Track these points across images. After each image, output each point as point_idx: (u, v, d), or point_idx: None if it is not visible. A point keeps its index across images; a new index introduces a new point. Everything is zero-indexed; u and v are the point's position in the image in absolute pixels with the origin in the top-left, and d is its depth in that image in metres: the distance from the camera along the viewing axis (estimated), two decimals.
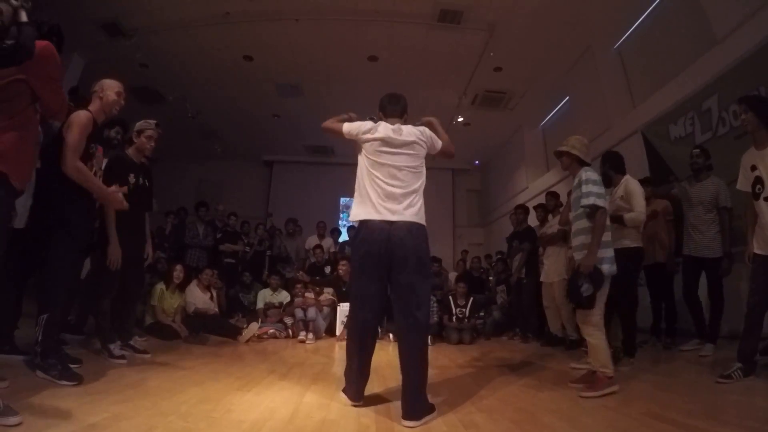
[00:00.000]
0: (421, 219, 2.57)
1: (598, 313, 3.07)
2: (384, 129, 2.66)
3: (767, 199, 3.15)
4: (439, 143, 2.81)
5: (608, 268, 3.09)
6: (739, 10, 5.00)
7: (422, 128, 2.78)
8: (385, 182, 2.56)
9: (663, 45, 6.44)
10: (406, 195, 2.56)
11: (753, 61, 4.82)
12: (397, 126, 2.69)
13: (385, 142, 2.61)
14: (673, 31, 6.22)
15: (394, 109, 2.84)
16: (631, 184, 3.94)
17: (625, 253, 3.75)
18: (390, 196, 2.54)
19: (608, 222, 3.24)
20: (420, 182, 2.65)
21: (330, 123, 2.86)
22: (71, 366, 2.78)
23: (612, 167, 4.10)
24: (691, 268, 4.49)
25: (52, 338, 2.74)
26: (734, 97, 4.80)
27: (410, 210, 2.53)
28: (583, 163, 3.35)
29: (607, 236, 3.16)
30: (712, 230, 4.31)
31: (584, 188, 3.14)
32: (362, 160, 2.68)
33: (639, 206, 3.85)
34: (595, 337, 3.07)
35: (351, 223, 10.66)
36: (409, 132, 2.68)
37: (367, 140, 2.65)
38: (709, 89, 5.47)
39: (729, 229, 4.24)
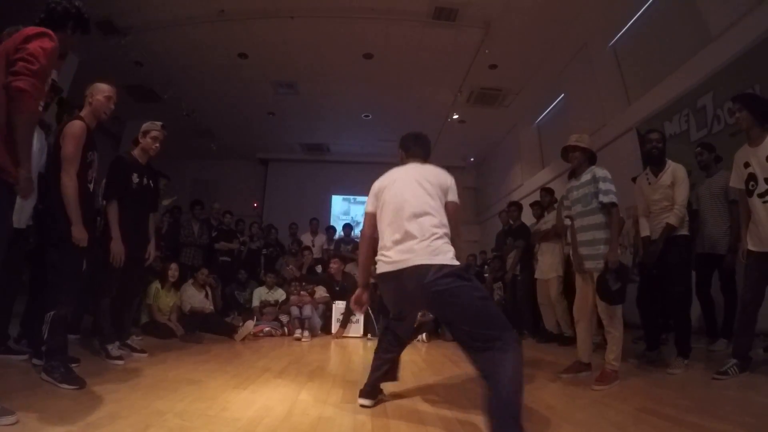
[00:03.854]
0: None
1: (619, 306, 3.19)
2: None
3: (761, 195, 3.16)
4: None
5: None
6: (734, 8, 5.01)
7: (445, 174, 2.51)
8: None
9: (658, 42, 6.44)
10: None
11: (748, 59, 4.83)
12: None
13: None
14: (668, 29, 6.23)
15: (417, 151, 2.67)
16: (680, 172, 3.74)
17: (675, 241, 3.71)
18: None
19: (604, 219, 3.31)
20: None
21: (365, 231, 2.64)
22: (70, 366, 2.76)
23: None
24: (704, 266, 4.37)
25: (59, 337, 2.71)
26: (729, 95, 4.80)
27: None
28: (591, 160, 3.47)
29: (608, 233, 3.25)
30: (724, 225, 4.22)
31: (603, 185, 3.25)
32: None
33: (681, 198, 3.68)
34: (618, 329, 3.20)
35: (347, 221, 10.70)
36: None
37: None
38: (704, 87, 5.48)
39: (738, 222, 4.08)
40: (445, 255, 2.14)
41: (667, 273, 3.77)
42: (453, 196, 2.43)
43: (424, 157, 2.66)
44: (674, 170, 3.76)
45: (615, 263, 3.13)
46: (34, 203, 2.94)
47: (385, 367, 2.67)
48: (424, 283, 2.07)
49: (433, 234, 2.19)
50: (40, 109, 2.20)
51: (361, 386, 2.61)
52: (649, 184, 3.90)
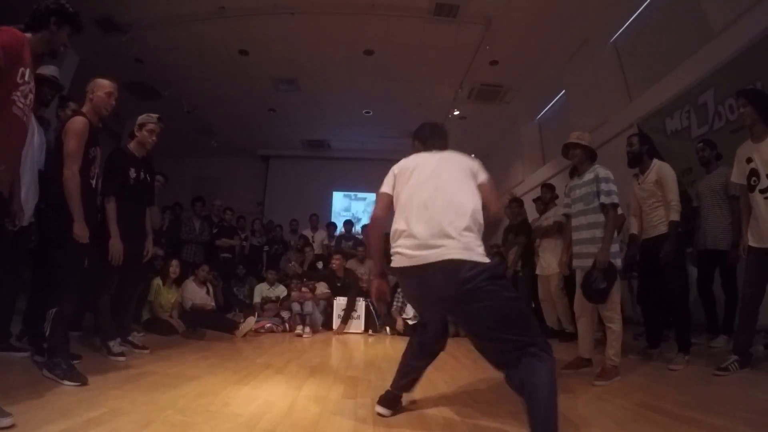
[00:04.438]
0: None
1: (618, 302, 3.24)
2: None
3: (762, 191, 3.17)
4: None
5: (618, 262, 3.25)
6: (736, 4, 4.99)
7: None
8: None
9: (659, 39, 6.43)
10: None
11: (749, 56, 4.81)
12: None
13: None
14: (669, 25, 6.22)
15: (435, 143, 2.44)
16: (664, 170, 3.77)
17: (668, 237, 3.70)
18: None
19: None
20: None
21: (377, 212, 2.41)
22: (72, 363, 2.76)
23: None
24: (705, 262, 4.36)
25: (61, 334, 2.71)
26: (730, 92, 4.80)
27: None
28: (592, 158, 3.49)
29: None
30: (725, 222, 4.19)
31: (604, 186, 3.28)
32: None
33: (673, 194, 3.67)
34: (617, 324, 3.23)
35: (348, 217, 10.70)
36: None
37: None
38: (705, 83, 5.46)
39: (739, 218, 4.02)
40: (477, 251, 1.97)
41: (663, 269, 3.78)
42: (483, 177, 2.25)
43: (442, 149, 2.41)
44: (658, 168, 3.82)
45: (604, 263, 3.16)
46: (36, 201, 2.94)
47: (412, 375, 2.44)
48: (457, 279, 1.90)
49: (465, 228, 2.01)
50: (18, 103, 2.17)
51: (382, 392, 2.44)
52: (639, 183, 3.98)
